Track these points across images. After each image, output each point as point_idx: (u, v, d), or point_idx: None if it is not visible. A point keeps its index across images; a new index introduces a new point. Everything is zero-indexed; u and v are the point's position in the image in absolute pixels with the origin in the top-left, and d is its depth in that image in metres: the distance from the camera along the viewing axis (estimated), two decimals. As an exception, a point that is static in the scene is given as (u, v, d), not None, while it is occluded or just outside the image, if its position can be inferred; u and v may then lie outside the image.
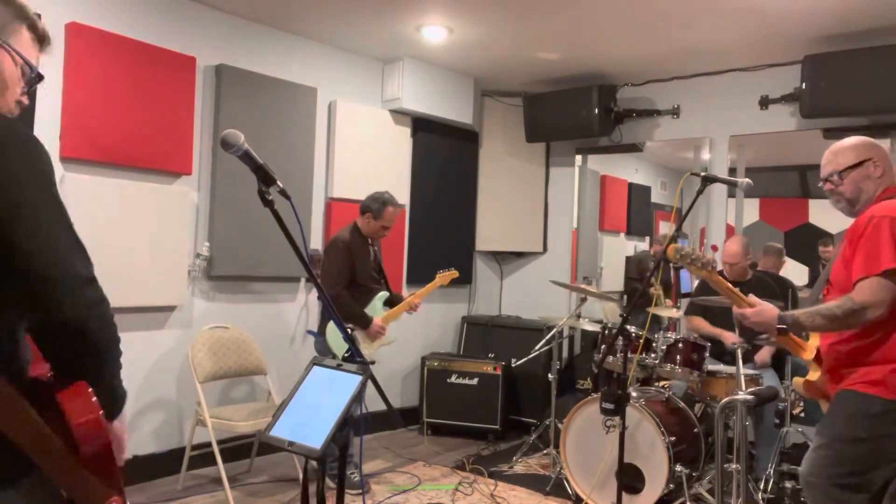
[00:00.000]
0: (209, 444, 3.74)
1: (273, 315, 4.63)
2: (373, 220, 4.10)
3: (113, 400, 1.22)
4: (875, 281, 2.05)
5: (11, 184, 1.09)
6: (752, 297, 2.35)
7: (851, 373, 2.16)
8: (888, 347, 2.09)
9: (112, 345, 1.18)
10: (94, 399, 1.15)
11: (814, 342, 2.36)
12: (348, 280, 4.03)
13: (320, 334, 4.08)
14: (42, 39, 1.31)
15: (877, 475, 2.07)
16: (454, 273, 4.48)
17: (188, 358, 3.87)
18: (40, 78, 1.31)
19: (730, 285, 2.41)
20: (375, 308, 4.15)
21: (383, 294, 4.21)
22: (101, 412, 1.16)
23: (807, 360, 2.42)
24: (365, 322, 4.04)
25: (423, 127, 5.55)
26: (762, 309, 2.29)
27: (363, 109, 5.12)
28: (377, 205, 4.08)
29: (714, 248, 5.33)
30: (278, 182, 1.76)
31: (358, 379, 1.89)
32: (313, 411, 1.88)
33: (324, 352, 4.00)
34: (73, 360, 1.15)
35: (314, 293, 4.82)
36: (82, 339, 1.13)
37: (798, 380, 2.50)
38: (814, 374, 2.37)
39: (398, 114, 5.33)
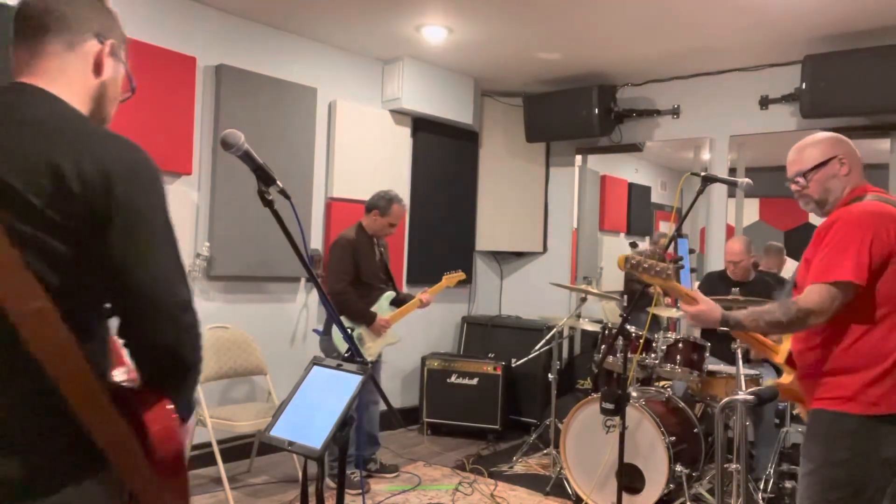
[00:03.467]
0: (209, 444, 3.74)
1: (273, 315, 4.63)
2: (380, 218, 4.13)
3: (187, 411, 1.27)
4: (824, 288, 2.00)
5: (133, 210, 1.12)
6: (696, 293, 2.27)
7: (822, 384, 2.10)
8: (857, 355, 2.03)
9: (197, 366, 1.23)
10: (171, 407, 1.20)
11: (786, 346, 2.31)
12: (352, 277, 4.05)
13: (326, 333, 4.09)
14: (126, 53, 1.35)
15: (869, 490, 2.01)
16: (461, 275, 4.50)
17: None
18: (133, 92, 1.35)
19: (681, 286, 2.33)
20: (382, 307, 4.16)
21: (390, 294, 4.23)
22: (176, 421, 1.20)
23: (779, 364, 2.37)
24: (368, 318, 4.05)
25: (423, 127, 5.55)
26: (704, 308, 2.21)
27: (363, 109, 5.12)
28: (384, 202, 4.12)
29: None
30: (278, 182, 1.75)
31: (358, 379, 1.89)
32: (313, 411, 1.88)
33: (329, 351, 4.01)
34: (160, 376, 1.20)
35: (315, 293, 4.83)
36: (173, 361, 1.19)
37: (770, 381, 2.47)
38: (787, 378, 2.32)
39: (398, 114, 5.33)
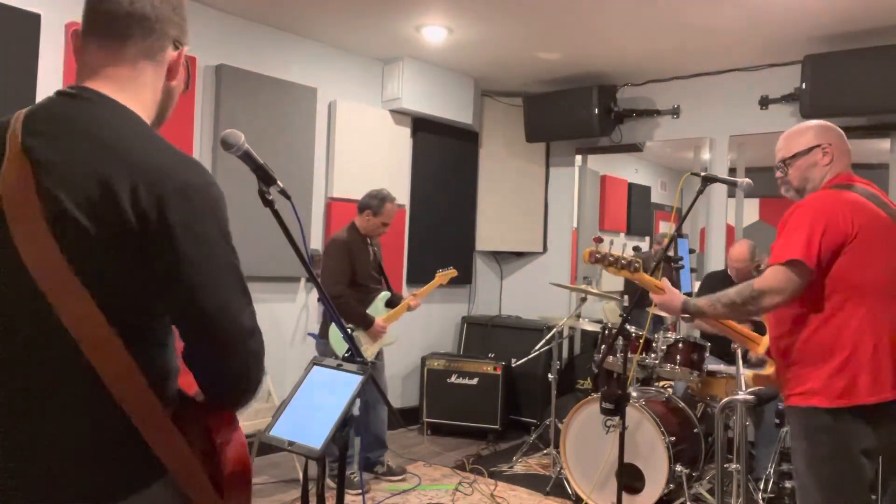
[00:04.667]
0: (209, 444, 3.73)
1: (273, 315, 4.63)
2: (372, 217, 4.09)
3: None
4: (779, 269, 2.04)
5: (190, 239, 1.07)
6: (663, 283, 2.34)
7: (789, 378, 2.13)
8: (816, 345, 2.06)
9: (258, 386, 1.22)
10: (237, 420, 1.20)
11: (768, 337, 2.34)
12: (349, 280, 4.02)
13: (322, 337, 4.07)
14: None
15: (859, 481, 2.02)
16: (453, 272, 4.47)
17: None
18: (187, 86, 1.31)
19: (649, 277, 2.39)
20: (377, 308, 4.14)
21: (385, 294, 4.20)
22: (245, 440, 1.20)
23: (760, 355, 2.41)
24: (367, 322, 4.02)
25: (423, 127, 5.55)
26: (668, 296, 2.30)
27: (363, 109, 5.12)
28: (376, 201, 4.08)
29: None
30: (278, 182, 1.75)
31: (358, 379, 1.89)
32: (313, 411, 1.88)
33: (326, 354, 3.99)
34: (221, 397, 1.20)
35: (314, 293, 4.82)
36: (236, 386, 1.18)
37: (749, 373, 2.49)
38: (769, 369, 2.34)
39: (398, 114, 5.33)
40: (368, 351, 4.06)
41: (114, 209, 1.03)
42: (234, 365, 1.15)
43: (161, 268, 1.06)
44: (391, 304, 4.21)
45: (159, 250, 1.05)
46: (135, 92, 1.17)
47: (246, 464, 1.19)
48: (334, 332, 3.92)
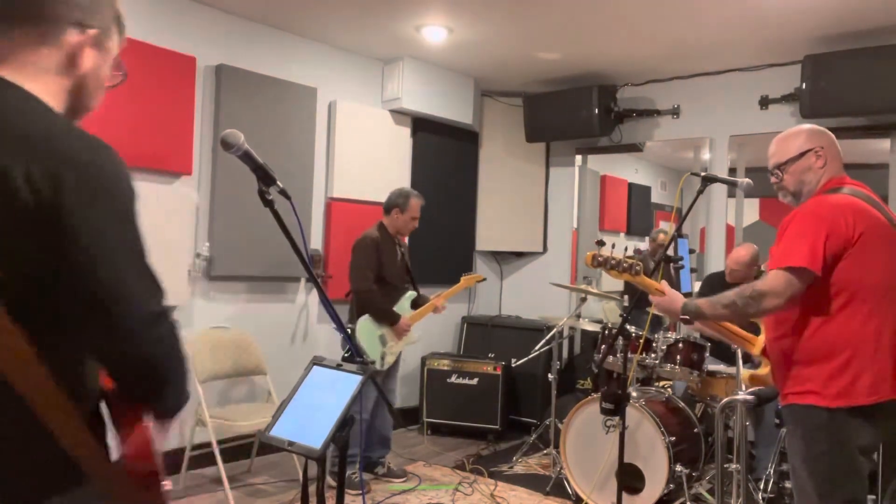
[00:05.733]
0: (209, 444, 3.74)
1: (273, 315, 4.63)
2: (400, 214, 4.17)
3: (172, 412, 1.21)
4: (780, 273, 2.05)
5: (86, 219, 1.02)
6: (663, 285, 2.36)
7: (789, 377, 2.14)
8: (816, 346, 2.07)
9: (176, 378, 1.15)
10: (148, 426, 1.14)
11: (763, 337, 2.36)
12: (376, 276, 4.05)
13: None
14: (122, 31, 1.24)
15: (854, 478, 2.04)
16: (480, 276, 4.55)
17: (188, 358, 3.87)
18: (125, 77, 1.26)
19: (649, 280, 2.41)
20: (403, 308, 4.18)
21: (411, 294, 4.26)
22: (151, 441, 1.14)
23: (755, 355, 2.42)
24: (393, 319, 4.06)
25: (423, 127, 5.55)
26: (668, 298, 2.32)
27: (363, 109, 5.12)
28: (402, 199, 4.18)
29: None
30: (278, 182, 1.75)
31: (358, 379, 1.89)
32: (313, 411, 1.88)
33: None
34: (134, 391, 1.13)
35: (315, 293, 4.82)
36: (149, 372, 1.11)
37: (745, 373, 2.50)
38: (763, 369, 2.37)
39: (398, 114, 5.33)
40: (394, 348, 4.11)
41: (8, 187, 0.99)
42: (135, 353, 1.08)
43: (53, 249, 1.01)
44: (416, 305, 4.27)
45: (52, 230, 1.00)
46: (34, 76, 1.11)
47: (149, 462, 1.13)
48: (360, 326, 3.98)
